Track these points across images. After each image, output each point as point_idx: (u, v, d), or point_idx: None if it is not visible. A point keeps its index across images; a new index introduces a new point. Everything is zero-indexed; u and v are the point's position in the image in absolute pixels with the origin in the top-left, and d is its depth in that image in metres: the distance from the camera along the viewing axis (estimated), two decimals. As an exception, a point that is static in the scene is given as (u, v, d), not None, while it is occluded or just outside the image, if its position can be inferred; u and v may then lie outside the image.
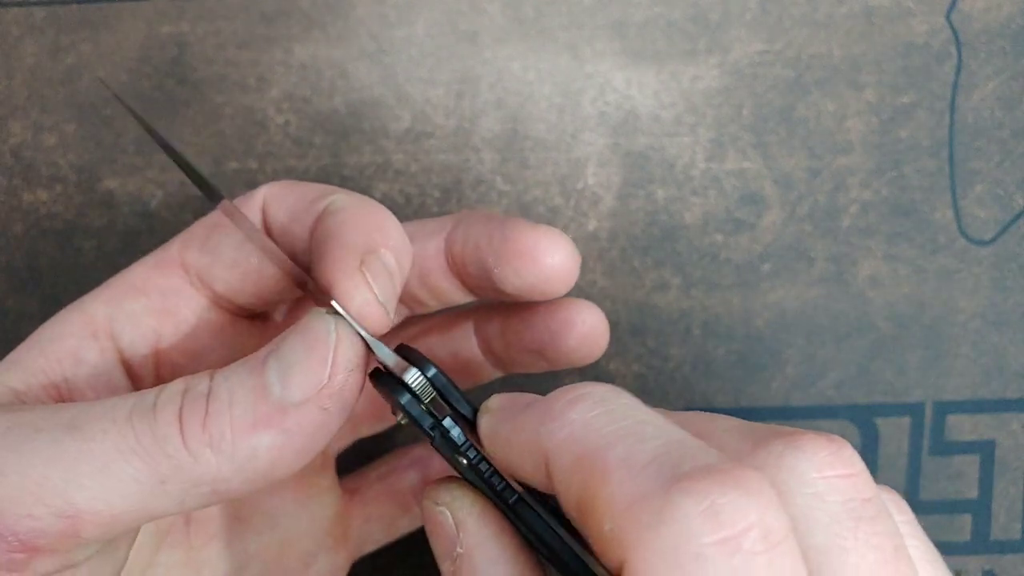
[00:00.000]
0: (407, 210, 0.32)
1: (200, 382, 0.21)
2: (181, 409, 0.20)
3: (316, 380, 0.20)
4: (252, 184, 0.32)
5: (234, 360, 0.21)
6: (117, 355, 0.24)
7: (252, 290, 0.25)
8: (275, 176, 0.32)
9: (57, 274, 0.32)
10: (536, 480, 0.19)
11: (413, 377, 0.22)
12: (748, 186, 0.33)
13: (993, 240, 0.33)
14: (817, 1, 0.33)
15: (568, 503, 0.18)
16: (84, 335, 0.24)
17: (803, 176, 0.33)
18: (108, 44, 0.32)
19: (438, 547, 0.21)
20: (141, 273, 0.25)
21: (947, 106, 0.33)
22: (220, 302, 0.25)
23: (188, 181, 0.32)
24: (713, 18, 0.33)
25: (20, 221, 0.32)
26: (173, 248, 0.25)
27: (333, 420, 0.21)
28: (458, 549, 0.21)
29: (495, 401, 0.22)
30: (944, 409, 0.33)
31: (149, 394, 0.21)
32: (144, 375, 0.25)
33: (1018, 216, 0.33)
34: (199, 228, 0.25)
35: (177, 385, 0.21)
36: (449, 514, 0.21)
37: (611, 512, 0.17)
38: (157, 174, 0.32)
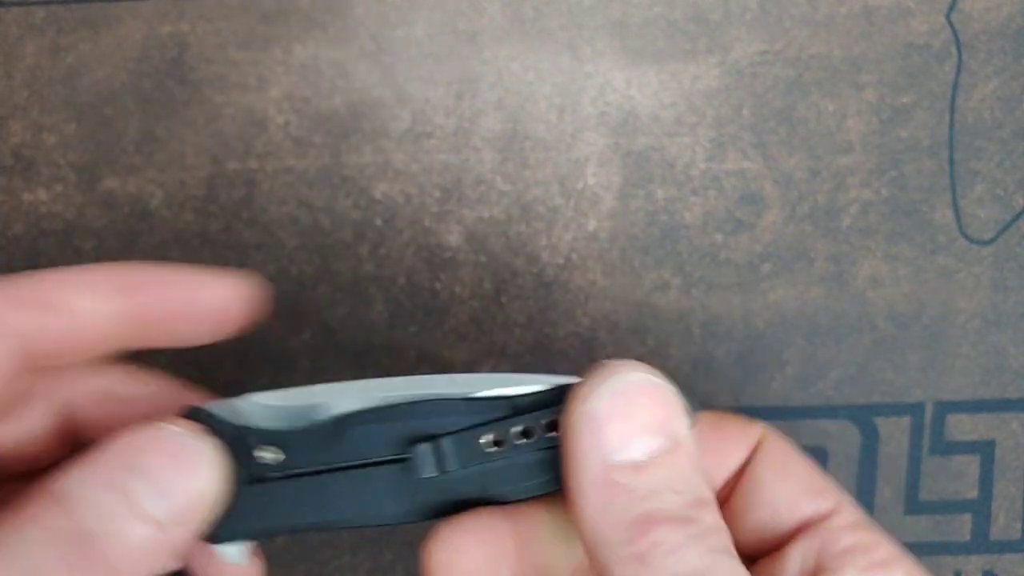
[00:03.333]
0: (407, 210, 0.32)
1: (66, 517, 0.20)
2: (70, 556, 0.20)
3: (192, 499, 0.21)
4: (251, 183, 0.32)
5: None
6: None
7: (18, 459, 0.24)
8: (275, 176, 0.32)
9: (57, 274, 0.32)
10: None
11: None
12: (748, 186, 0.33)
13: (993, 240, 0.33)
14: (817, 1, 0.33)
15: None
16: None
17: (803, 176, 0.33)
18: (108, 44, 0.32)
19: None
20: None
21: (947, 106, 0.33)
22: None
23: (188, 180, 0.32)
24: (713, 18, 0.33)
25: (20, 221, 0.32)
26: None
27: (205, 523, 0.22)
28: None
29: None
30: (944, 409, 0.33)
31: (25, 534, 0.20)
32: None
33: (1018, 216, 0.33)
34: None
35: (41, 532, 0.20)
36: None
37: None
38: (157, 174, 0.32)
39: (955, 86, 0.33)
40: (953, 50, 0.33)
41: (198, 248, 0.32)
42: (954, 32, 0.33)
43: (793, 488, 0.25)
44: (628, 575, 0.20)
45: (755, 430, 0.26)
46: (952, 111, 0.33)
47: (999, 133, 0.33)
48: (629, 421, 0.21)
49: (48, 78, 0.32)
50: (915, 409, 0.33)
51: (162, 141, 0.32)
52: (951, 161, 0.33)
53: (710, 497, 0.21)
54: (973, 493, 0.34)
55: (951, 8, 0.33)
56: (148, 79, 0.32)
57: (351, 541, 0.32)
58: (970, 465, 0.34)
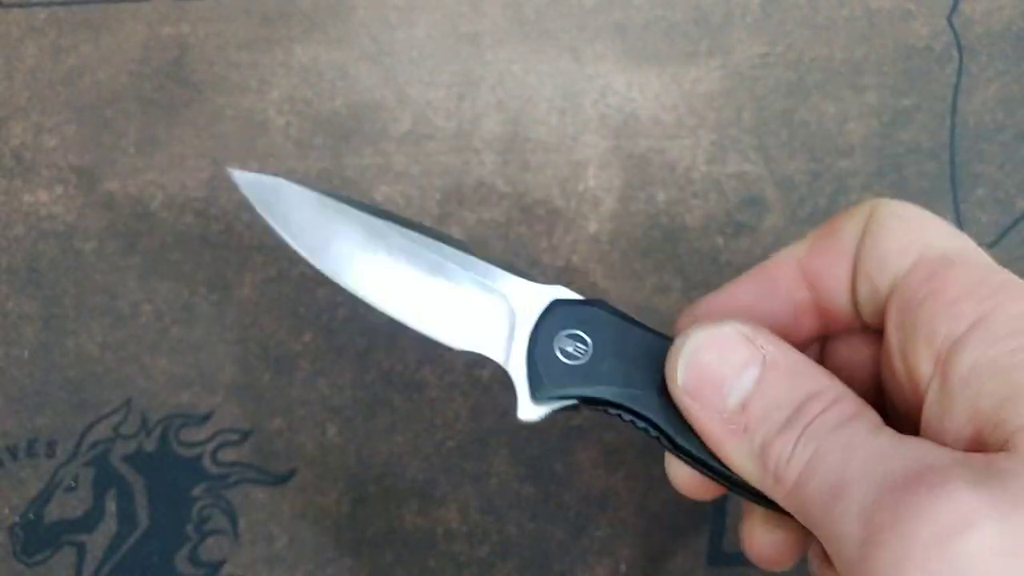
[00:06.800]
0: (407, 212, 0.32)
1: None
2: None
3: None
4: (253, 186, 0.32)
5: None
6: None
7: None
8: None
9: (57, 275, 0.32)
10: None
11: None
12: (749, 189, 0.33)
13: (994, 243, 0.33)
14: (818, 3, 0.33)
15: None
16: None
17: (804, 179, 0.33)
18: (109, 46, 0.32)
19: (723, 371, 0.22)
20: None
21: (948, 109, 0.33)
22: None
23: (189, 182, 0.32)
24: (714, 20, 0.33)
25: (21, 222, 0.32)
26: None
27: None
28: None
29: None
30: (945, 412, 0.33)
31: None
32: None
33: (1019, 219, 0.33)
34: None
35: None
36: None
37: None
38: (157, 175, 0.32)
39: (956, 89, 0.33)
40: (954, 53, 0.33)
41: (199, 250, 0.32)
42: (955, 35, 0.33)
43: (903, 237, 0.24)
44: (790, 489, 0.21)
45: (863, 208, 0.25)
46: (953, 114, 0.33)
47: (1000, 136, 0.33)
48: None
49: (49, 79, 0.32)
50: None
51: (163, 143, 0.32)
52: (952, 164, 0.33)
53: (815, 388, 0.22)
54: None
55: (952, 11, 0.33)
56: (149, 81, 0.32)
57: (351, 543, 0.32)
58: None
